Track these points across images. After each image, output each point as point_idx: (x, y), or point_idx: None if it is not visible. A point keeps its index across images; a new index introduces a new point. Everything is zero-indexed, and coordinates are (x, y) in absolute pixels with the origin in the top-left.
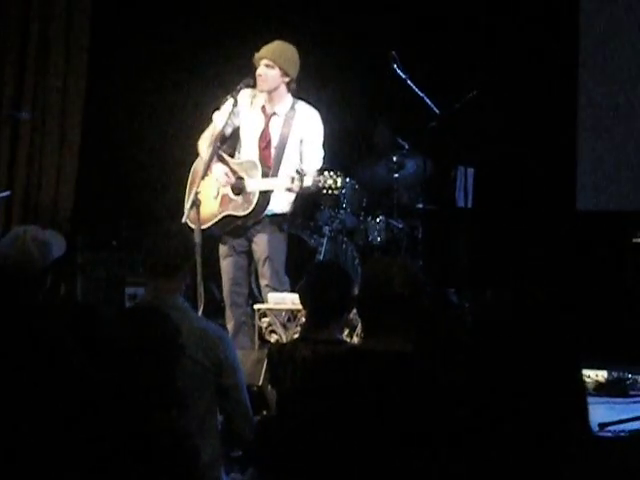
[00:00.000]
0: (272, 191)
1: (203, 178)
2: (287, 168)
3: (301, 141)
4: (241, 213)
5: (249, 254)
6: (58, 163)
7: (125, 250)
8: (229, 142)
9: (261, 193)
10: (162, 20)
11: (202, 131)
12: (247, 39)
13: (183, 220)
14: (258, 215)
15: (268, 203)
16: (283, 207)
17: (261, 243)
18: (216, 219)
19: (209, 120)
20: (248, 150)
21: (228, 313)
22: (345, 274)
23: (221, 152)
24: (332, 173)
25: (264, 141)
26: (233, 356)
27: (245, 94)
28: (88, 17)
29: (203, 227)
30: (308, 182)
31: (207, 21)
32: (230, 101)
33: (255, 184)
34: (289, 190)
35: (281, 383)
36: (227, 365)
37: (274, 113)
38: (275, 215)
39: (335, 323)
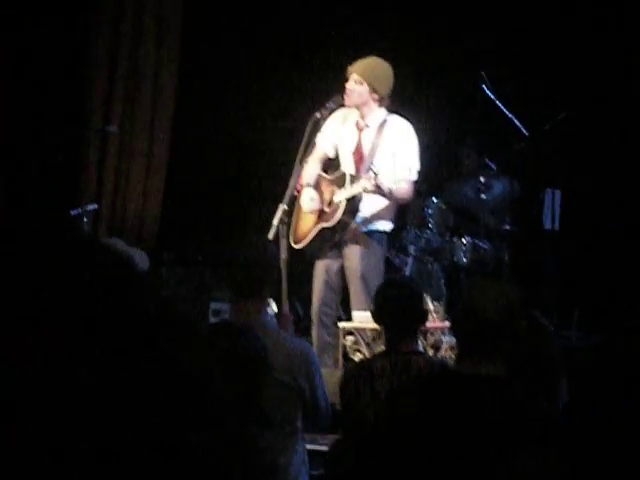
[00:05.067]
0: (359, 199)
1: (292, 195)
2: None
3: (394, 154)
4: (330, 223)
5: (342, 275)
6: (145, 177)
7: (210, 265)
8: (332, 162)
9: (347, 201)
10: (253, 32)
11: (292, 145)
12: (342, 54)
13: (270, 236)
14: (347, 224)
15: (356, 211)
16: (381, 225)
17: (354, 259)
18: (312, 235)
19: (300, 135)
20: (345, 165)
21: (314, 332)
22: (414, 288)
23: (320, 172)
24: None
25: (358, 154)
26: (315, 370)
27: (338, 113)
28: (179, 31)
29: (301, 245)
30: (381, 179)
31: (302, 32)
32: (324, 121)
33: (342, 194)
34: (367, 191)
35: (361, 398)
36: (310, 380)
37: (366, 126)
38: (372, 232)
39: (410, 337)
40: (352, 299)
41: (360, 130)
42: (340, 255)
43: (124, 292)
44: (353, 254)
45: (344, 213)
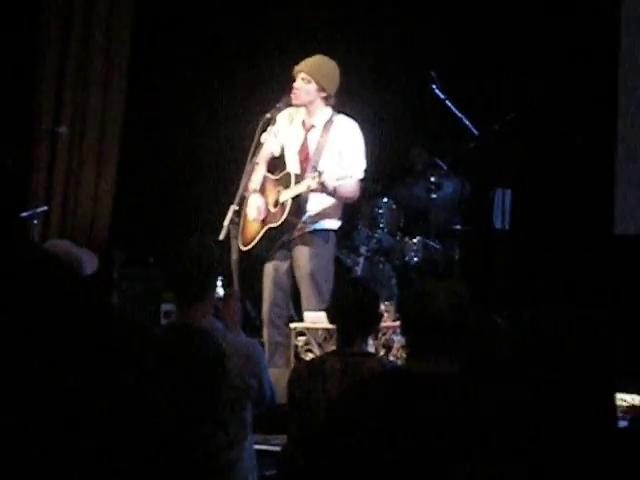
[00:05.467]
0: (305, 198)
1: (243, 196)
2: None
3: (340, 153)
4: (277, 223)
5: (292, 275)
6: (96, 178)
7: (161, 266)
8: (277, 161)
9: (293, 200)
10: (202, 35)
11: (242, 146)
12: (288, 54)
13: (221, 237)
14: (294, 224)
15: (302, 210)
16: (327, 224)
17: (303, 259)
18: (259, 236)
19: (250, 136)
20: (291, 164)
21: (265, 332)
22: (370, 290)
23: (265, 173)
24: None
25: (303, 154)
26: (263, 367)
27: (285, 112)
28: (128, 33)
29: (249, 246)
30: (326, 178)
31: (247, 36)
32: (274, 121)
33: (287, 193)
34: (312, 190)
35: (311, 397)
36: (258, 377)
37: (312, 126)
38: (319, 231)
39: (362, 337)
40: (303, 299)
41: (306, 129)
42: (289, 255)
43: (65, 296)
44: (302, 254)
45: (290, 213)
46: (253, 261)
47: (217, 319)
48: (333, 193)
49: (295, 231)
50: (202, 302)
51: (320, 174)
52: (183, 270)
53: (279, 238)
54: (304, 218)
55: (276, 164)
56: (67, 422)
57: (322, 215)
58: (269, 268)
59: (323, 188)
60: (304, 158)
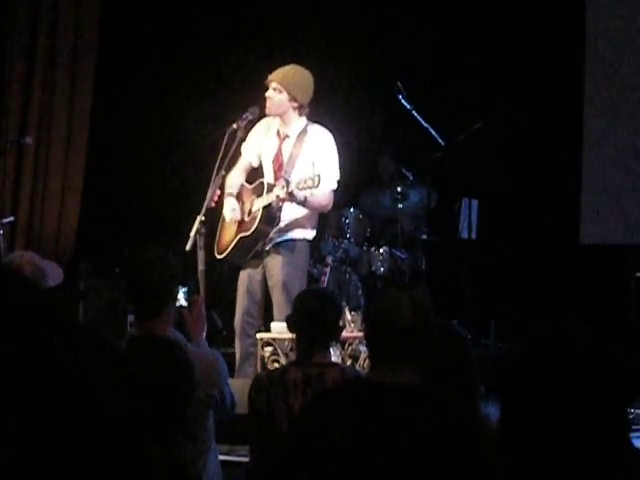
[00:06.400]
0: (277, 207)
1: (209, 206)
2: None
3: (313, 163)
4: (249, 232)
5: (265, 284)
6: (62, 189)
7: (123, 278)
8: (256, 171)
9: (264, 209)
10: (169, 46)
11: (210, 157)
12: (258, 64)
13: (188, 248)
14: (265, 233)
15: (274, 219)
16: (301, 233)
17: (275, 269)
18: (232, 244)
19: (218, 147)
20: (266, 174)
21: (237, 342)
22: (333, 301)
23: (243, 182)
24: (313, 176)
25: (277, 163)
26: (224, 377)
27: (262, 122)
28: (94, 45)
29: (223, 255)
30: (292, 187)
31: (216, 49)
32: (242, 131)
33: (259, 202)
34: (281, 200)
35: (272, 408)
36: (219, 387)
37: (287, 135)
38: (292, 240)
39: (324, 347)
40: (274, 309)
41: (281, 139)
42: (262, 264)
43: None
44: (274, 264)
45: (260, 221)
46: (226, 270)
47: (177, 330)
48: (303, 202)
49: (268, 240)
50: (160, 314)
51: (288, 183)
52: (139, 282)
53: (252, 247)
54: (276, 228)
55: (256, 174)
56: (26, 441)
57: (295, 225)
58: (243, 277)
59: (292, 197)
60: (278, 167)
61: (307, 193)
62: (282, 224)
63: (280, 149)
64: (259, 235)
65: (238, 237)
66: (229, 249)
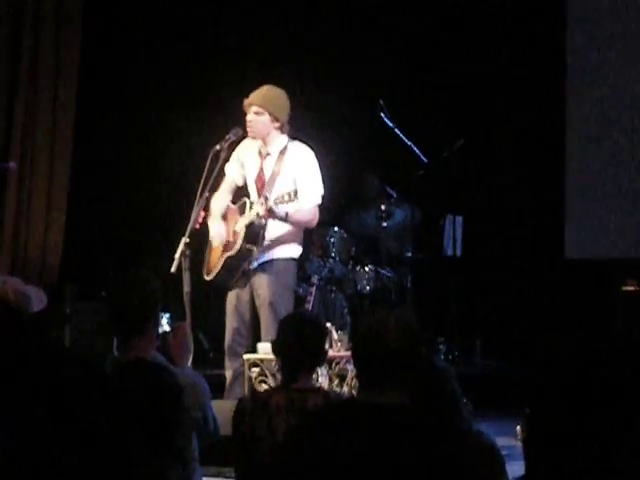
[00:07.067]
0: (260, 226)
1: (194, 228)
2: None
3: (294, 180)
4: (233, 251)
5: (253, 304)
6: (46, 213)
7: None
8: (242, 191)
9: (246, 228)
10: (153, 65)
11: (194, 178)
12: (237, 86)
13: (173, 270)
14: (249, 251)
15: (257, 237)
16: (286, 252)
17: (262, 288)
18: (219, 265)
19: (202, 169)
20: (250, 193)
21: (227, 362)
22: (317, 324)
23: (229, 203)
24: (290, 191)
25: (260, 181)
26: (207, 399)
27: (245, 142)
28: (77, 62)
29: (210, 276)
30: (271, 203)
31: (197, 70)
32: (234, 152)
33: (241, 221)
34: (261, 217)
35: (256, 433)
36: (202, 410)
37: (268, 154)
38: (277, 260)
39: (308, 372)
40: (262, 328)
41: (262, 158)
42: (249, 284)
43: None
44: (261, 283)
45: (244, 240)
46: (212, 291)
47: (159, 353)
48: (285, 218)
49: (254, 259)
50: (142, 336)
51: (267, 200)
52: (121, 305)
53: (238, 267)
54: (261, 247)
55: (241, 194)
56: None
57: (280, 243)
58: (231, 297)
59: (271, 214)
60: (260, 186)
61: (287, 208)
62: (266, 243)
63: (262, 168)
64: (243, 254)
65: (224, 257)
66: (216, 270)
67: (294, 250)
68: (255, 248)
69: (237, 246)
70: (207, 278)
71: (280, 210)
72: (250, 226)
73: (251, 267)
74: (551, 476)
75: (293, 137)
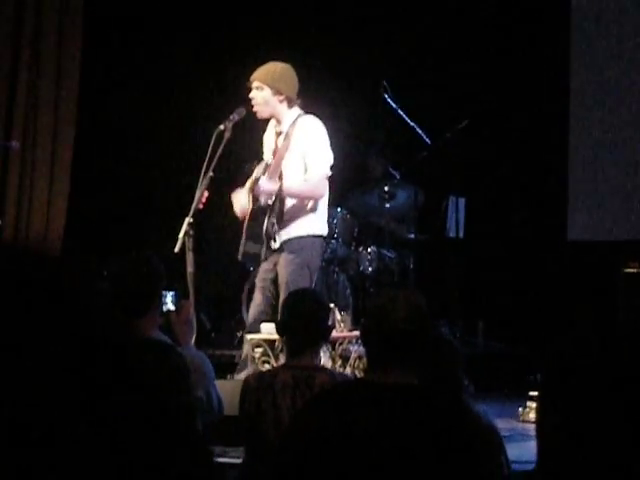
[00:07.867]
0: (281, 200)
1: (197, 208)
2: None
3: (303, 153)
4: (251, 213)
5: (277, 283)
6: (48, 192)
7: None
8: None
9: (252, 183)
10: (155, 50)
11: (194, 162)
12: (245, 65)
13: (176, 250)
14: (261, 206)
15: (260, 193)
16: (305, 229)
17: (281, 268)
18: (244, 235)
19: (203, 153)
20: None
21: (246, 337)
22: (320, 302)
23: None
24: None
25: (275, 160)
26: (210, 379)
27: (269, 126)
28: (79, 45)
29: (241, 251)
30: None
31: (203, 50)
32: (267, 130)
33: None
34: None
35: (262, 411)
36: (206, 389)
37: (281, 132)
38: (295, 238)
39: (312, 351)
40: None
41: (277, 137)
42: (273, 263)
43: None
44: (281, 262)
45: (251, 192)
46: (214, 272)
47: (162, 333)
48: (291, 193)
49: (277, 237)
50: (145, 316)
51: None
52: (123, 285)
53: (259, 229)
54: (281, 223)
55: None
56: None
57: (298, 220)
58: (260, 273)
59: (260, 191)
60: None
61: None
62: (286, 220)
63: (276, 146)
64: (258, 210)
65: (247, 224)
66: (242, 240)
67: (312, 227)
68: (263, 200)
69: (251, 204)
70: (239, 257)
71: (286, 183)
72: (254, 183)
73: (275, 246)
74: (567, 459)
75: (306, 111)
